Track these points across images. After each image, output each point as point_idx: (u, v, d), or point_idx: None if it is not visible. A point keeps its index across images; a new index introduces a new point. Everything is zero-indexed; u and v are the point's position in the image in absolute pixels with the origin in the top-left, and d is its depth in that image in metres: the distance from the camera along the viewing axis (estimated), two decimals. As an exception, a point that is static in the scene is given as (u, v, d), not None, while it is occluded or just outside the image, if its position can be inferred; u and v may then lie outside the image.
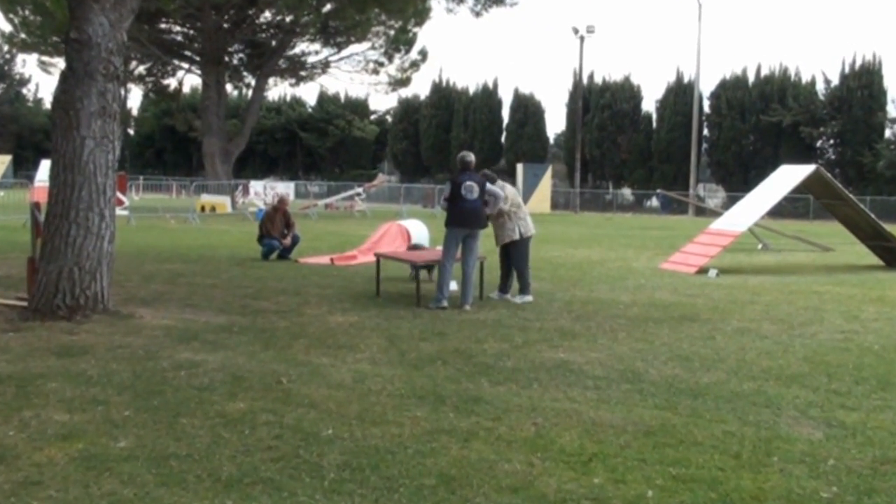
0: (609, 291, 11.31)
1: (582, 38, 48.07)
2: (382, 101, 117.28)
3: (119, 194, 23.28)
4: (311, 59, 38.87)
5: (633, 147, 49.63)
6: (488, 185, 9.85)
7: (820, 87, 45.64)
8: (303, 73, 39.86)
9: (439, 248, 10.42)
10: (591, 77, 52.01)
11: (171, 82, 41.37)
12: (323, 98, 61.69)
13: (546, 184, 42.69)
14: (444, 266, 9.70)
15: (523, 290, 10.27)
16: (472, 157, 9.95)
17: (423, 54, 38.55)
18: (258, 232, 15.36)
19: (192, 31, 36.54)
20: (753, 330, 8.49)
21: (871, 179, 41.95)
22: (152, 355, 6.74)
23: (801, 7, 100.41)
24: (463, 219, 9.65)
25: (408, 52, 38.02)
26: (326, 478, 4.12)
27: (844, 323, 9.04)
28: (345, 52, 37.70)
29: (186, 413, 5.14)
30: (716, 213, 22.83)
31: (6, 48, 55.34)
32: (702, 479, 4.18)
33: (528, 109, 53.68)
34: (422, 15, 33.74)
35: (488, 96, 54.89)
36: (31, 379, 5.87)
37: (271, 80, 40.03)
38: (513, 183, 41.15)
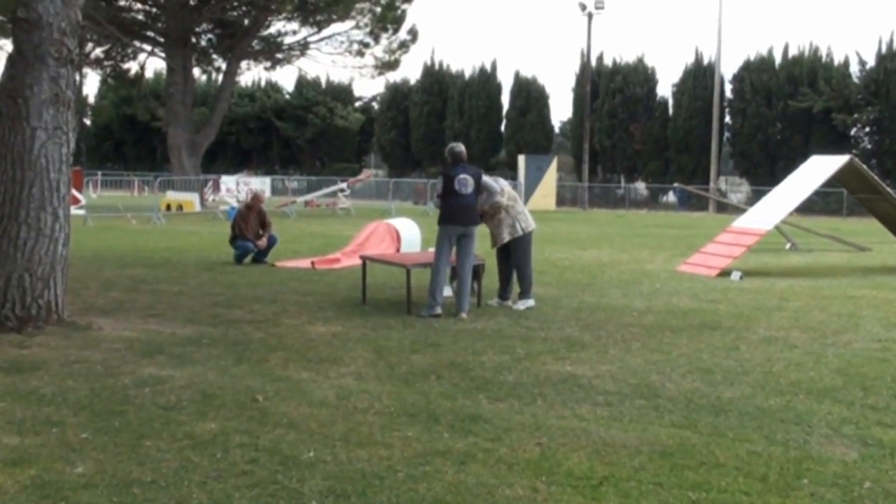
0: (621, 297, 11.34)
1: (590, 16, 48.19)
2: (368, 87, 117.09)
3: (74, 192, 23.24)
4: (287, 40, 38.86)
5: (648, 136, 49.73)
6: (483, 178, 9.89)
7: (854, 69, 45.85)
8: (279, 56, 39.83)
9: (432, 249, 10.42)
10: (600, 59, 52.12)
11: (132, 66, 41.30)
12: (302, 83, 61.65)
13: (551, 177, 42.76)
14: (436, 269, 9.73)
15: (525, 292, 10.30)
16: (462, 147, 10.01)
17: (414, 34, 38.58)
18: (230, 233, 15.36)
19: (154, 9, 36.47)
20: (781, 339, 8.52)
21: (911, 171, 42.12)
22: (112, 371, 6.73)
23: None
24: (456, 216, 9.69)
25: (396, 31, 38.02)
26: (307, 506, 4.13)
27: (882, 331, 9.08)
28: (326, 32, 37.68)
29: (151, 435, 5.14)
30: (739, 210, 22.88)
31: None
32: (724, 505, 4.20)
33: (530, 95, 53.72)
34: (411, -10, 33.78)
35: (486, 80, 54.92)
36: (-23, 398, 5.86)
37: (244, 64, 40.00)
38: (513, 177, 41.43)
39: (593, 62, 50.46)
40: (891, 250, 18.76)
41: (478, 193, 9.81)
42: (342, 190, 36.62)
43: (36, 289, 8.27)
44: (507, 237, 10.32)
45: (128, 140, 65.12)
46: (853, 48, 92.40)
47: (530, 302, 10.26)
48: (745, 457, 4.90)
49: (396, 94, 58.36)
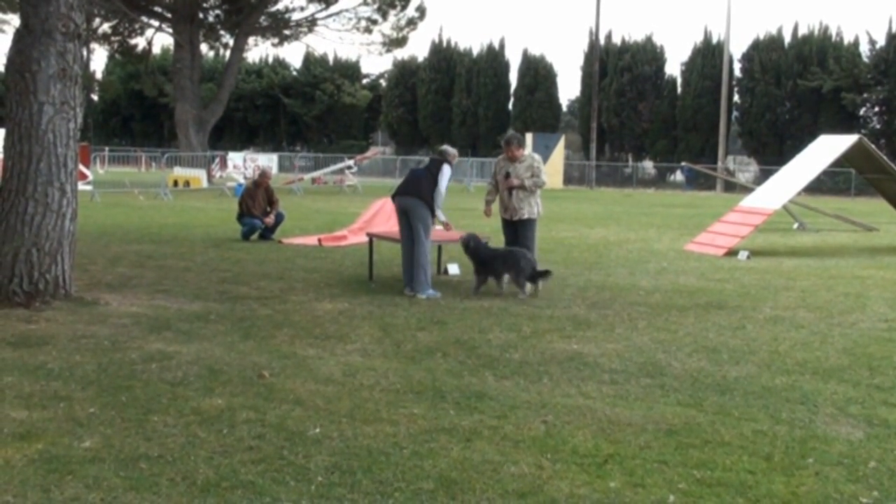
0: (628, 276, 11.33)
1: (599, -7, 47.82)
2: (376, 64, 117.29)
3: (82, 167, 23.25)
4: (295, 16, 38.74)
5: (656, 115, 49.51)
6: (443, 168, 9.78)
7: (864, 48, 45.47)
8: (286, 32, 39.70)
9: (439, 227, 10.38)
10: (608, 37, 51.85)
11: (140, 42, 41.26)
12: (309, 60, 61.50)
13: (558, 156, 42.60)
14: (402, 251, 9.77)
15: None
16: (445, 147, 10.16)
17: (422, 11, 38.41)
18: (237, 210, 15.37)
19: (162, -15, 36.37)
20: (788, 318, 8.51)
21: (920, 152, 41.88)
22: (120, 346, 6.75)
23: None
24: (397, 189, 9.81)
25: (404, 8, 37.85)
26: (313, 481, 4.14)
27: (889, 311, 9.06)
28: (333, 9, 37.56)
29: (158, 410, 5.16)
30: (747, 189, 22.82)
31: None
32: (729, 483, 4.20)
33: (538, 73, 53.47)
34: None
35: (494, 58, 54.67)
36: (-15, 372, 5.89)
37: (251, 40, 39.88)
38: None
39: (602, 40, 50.19)
40: (899, 231, 18.71)
41: (429, 172, 9.72)
42: (349, 167, 36.55)
43: (43, 264, 8.28)
44: (525, 214, 10.28)
45: (135, 116, 65.11)
46: (863, 27, 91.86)
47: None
48: (750, 436, 4.90)
49: (404, 71, 58.13)
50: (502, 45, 55.18)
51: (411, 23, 38.34)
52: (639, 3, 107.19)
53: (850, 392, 5.85)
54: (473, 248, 9.80)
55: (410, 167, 9.86)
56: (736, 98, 48.52)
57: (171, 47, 40.51)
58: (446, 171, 9.74)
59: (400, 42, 39.17)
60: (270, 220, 15.09)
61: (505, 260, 9.67)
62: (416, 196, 9.58)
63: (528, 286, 9.52)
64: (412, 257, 9.51)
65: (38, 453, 4.43)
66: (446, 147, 10.14)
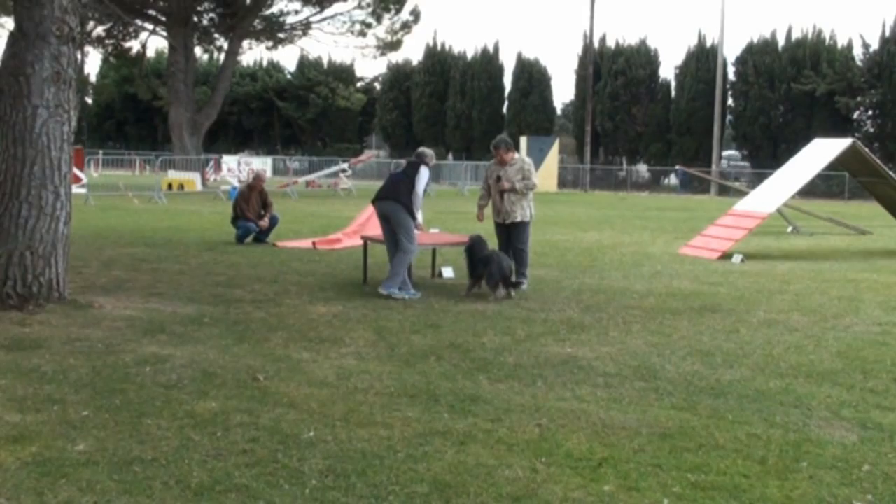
0: (622, 279, 11.34)
1: (593, -3, 47.90)
2: (370, 67, 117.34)
3: (76, 170, 23.21)
4: (290, 20, 38.77)
5: (650, 118, 49.57)
6: (420, 171, 9.81)
7: (857, 52, 45.59)
8: (281, 36, 39.71)
9: (434, 230, 10.41)
10: (602, 40, 51.91)
11: (134, 45, 41.26)
12: (304, 63, 61.49)
13: (553, 159, 42.68)
14: (387, 254, 9.77)
15: (522, 273, 10.29)
16: (422, 150, 10.22)
17: (416, 14, 38.44)
18: (232, 213, 15.36)
19: (156, -12, 36.36)
20: (782, 322, 8.52)
21: (913, 155, 41.96)
22: (113, 349, 6.74)
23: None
24: (377, 194, 9.85)
25: (398, 11, 37.88)
26: (308, 485, 4.14)
27: (883, 314, 9.08)
28: (328, 12, 37.58)
29: (152, 413, 5.15)
30: (741, 193, 22.85)
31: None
32: (723, 487, 4.21)
33: (532, 76, 53.53)
34: (414, -30, 33.67)
35: (488, 62, 54.71)
36: (-22, 375, 5.87)
37: (245, 43, 39.88)
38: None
39: (596, 44, 50.27)
40: (892, 234, 18.75)
41: (406, 175, 9.79)
42: (344, 170, 36.55)
43: (37, 267, 8.27)
44: (518, 217, 10.31)
45: (129, 119, 65.04)
46: (857, 31, 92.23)
47: (524, 285, 10.26)
48: (744, 439, 4.91)
49: (398, 74, 58.16)
50: (496, 49, 55.27)
51: (405, 26, 38.37)
52: (633, 6, 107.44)
53: (843, 395, 5.86)
54: (469, 248, 9.89)
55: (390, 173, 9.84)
56: (730, 101, 48.60)
57: (166, 50, 40.53)
58: (423, 173, 9.78)
59: (394, 45, 39.21)
60: (265, 223, 15.08)
61: (485, 262, 9.75)
62: (394, 200, 9.63)
63: (501, 290, 9.58)
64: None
65: (31, 456, 4.41)
66: (423, 149, 10.17)
